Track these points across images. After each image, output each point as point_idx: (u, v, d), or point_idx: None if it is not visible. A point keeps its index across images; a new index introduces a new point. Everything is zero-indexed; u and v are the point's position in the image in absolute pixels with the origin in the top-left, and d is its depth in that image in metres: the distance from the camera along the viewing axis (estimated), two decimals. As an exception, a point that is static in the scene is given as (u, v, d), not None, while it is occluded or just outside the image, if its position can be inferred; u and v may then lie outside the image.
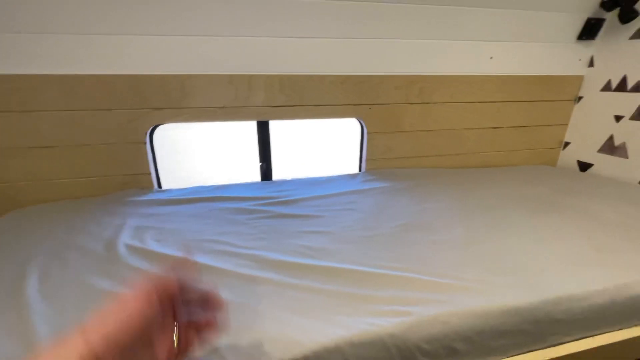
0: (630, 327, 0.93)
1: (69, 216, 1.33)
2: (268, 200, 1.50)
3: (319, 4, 1.51)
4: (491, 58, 1.86)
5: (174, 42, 1.46)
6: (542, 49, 1.90)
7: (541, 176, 1.89)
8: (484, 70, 1.88)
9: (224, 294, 0.87)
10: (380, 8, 1.57)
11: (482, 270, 0.95)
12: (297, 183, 1.75)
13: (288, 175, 1.90)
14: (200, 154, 2.15)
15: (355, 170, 2.01)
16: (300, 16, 1.52)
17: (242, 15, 1.47)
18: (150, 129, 1.60)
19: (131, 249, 1.09)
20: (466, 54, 1.81)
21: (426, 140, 1.96)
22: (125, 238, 1.15)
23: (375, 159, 1.93)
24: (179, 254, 1.05)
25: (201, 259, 1.02)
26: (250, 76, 1.59)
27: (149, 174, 1.65)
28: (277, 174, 1.94)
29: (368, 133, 1.86)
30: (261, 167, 1.88)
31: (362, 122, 1.85)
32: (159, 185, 1.75)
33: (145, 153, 1.61)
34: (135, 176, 1.64)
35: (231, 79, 1.58)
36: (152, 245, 1.11)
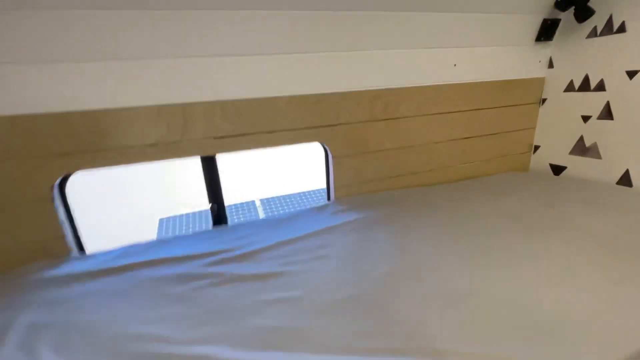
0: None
1: None
2: (218, 255, 1.21)
3: (262, 16, 1.28)
4: (455, 65, 1.73)
5: (79, 70, 1.15)
6: (502, 52, 1.81)
7: (517, 186, 1.77)
8: (449, 78, 1.75)
9: None
10: (332, 17, 1.37)
11: (490, 336, 0.74)
12: (256, 225, 1.48)
13: (253, 198, 1.61)
14: (143, 191, 1.81)
15: (324, 194, 1.78)
16: (241, 30, 1.28)
17: (167, 33, 1.19)
18: (59, 180, 1.26)
19: (11, 371, 0.75)
20: (429, 62, 1.67)
21: (396, 158, 1.77)
22: (8, 349, 0.81)
23: (344, 185, 1.70)
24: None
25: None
26: (184, 105, 1.31)
27: (63, 237, 1.30)
28: (241, 198, 1.64)
29: (333, 157, 1.64)
30: (211, 208, 1.58)
31: (325, 146, 1.63)
32: (80, 248, 1.40)
33: (54, 212, 1.26)
34: (43, 243, 1.27)
35: (160, 111, 1.29)
36: (47, 359, 0.78)
